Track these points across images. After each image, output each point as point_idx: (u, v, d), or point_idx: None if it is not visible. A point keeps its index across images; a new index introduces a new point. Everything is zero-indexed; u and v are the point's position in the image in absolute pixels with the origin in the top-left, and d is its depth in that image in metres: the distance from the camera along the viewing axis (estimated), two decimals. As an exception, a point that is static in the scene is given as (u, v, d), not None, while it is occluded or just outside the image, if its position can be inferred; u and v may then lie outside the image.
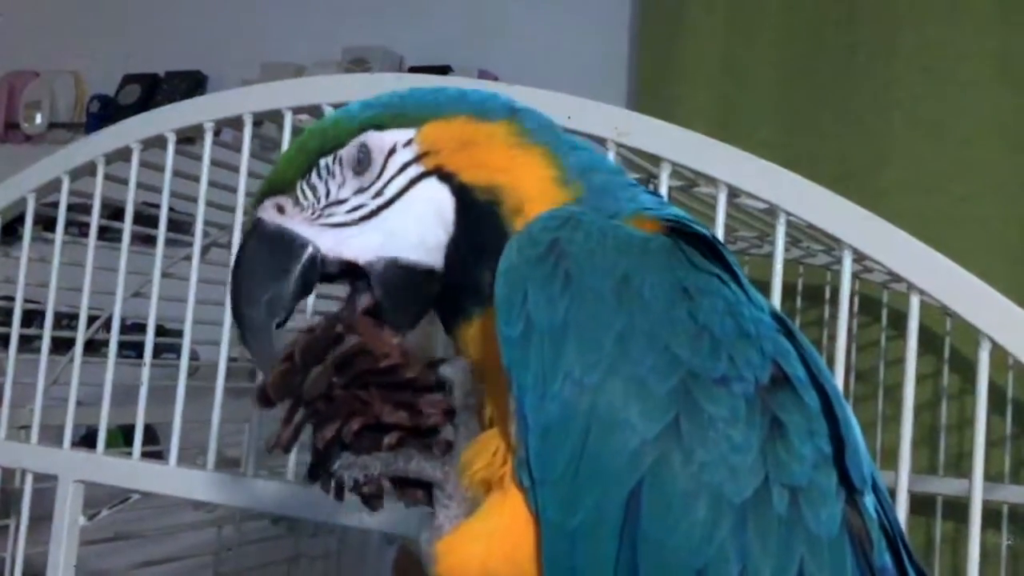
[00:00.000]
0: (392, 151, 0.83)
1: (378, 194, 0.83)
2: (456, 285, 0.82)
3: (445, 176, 0.82)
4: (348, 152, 0.84)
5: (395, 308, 0.82)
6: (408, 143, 0.83)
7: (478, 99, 0.87)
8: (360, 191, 0.83)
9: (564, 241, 0.74)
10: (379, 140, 0.84)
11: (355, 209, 0.83)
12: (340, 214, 0.84)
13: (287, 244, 0.83)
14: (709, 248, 0.81)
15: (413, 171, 0.83)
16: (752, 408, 0.71)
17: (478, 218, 0.81)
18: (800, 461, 0.72)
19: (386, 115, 0.85)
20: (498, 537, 0.74)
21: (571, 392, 0.70)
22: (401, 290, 0.82)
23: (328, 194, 0.84)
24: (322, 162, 0.85)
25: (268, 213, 0.85)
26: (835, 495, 0.73)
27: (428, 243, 0.82)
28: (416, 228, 0.82)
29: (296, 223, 0.84)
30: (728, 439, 0.70)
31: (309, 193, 0.84)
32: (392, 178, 0.83)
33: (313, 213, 0.84)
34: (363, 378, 0.78)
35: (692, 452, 0.69)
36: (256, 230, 0.85)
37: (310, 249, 0.83)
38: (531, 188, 0.81)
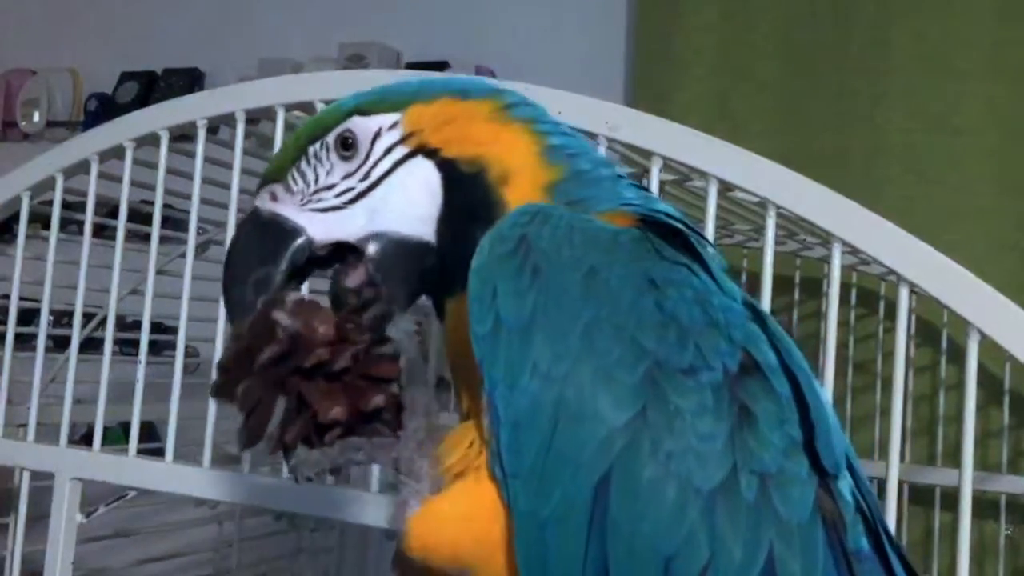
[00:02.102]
0: (377, 135, 0.85)
1: (365, 177, 0.85)
2: (447, 262, 0.83)
3: (429, 153, 0.84)
4: (334, 137, 0.86)
5: (390, 282, 0.82)
6: (393, 126, 0.85)
7: (461, 82, 0.90)
8: (348, 175, 0.85)
9: (532, 236, 0.75)
10: (364, 125, 0.86)
11: (344, 193, 0.85)
12: (329, 198, 0.85)
13: (277, 228, 0.86)
14: (682, 240, 0.81)
15: (398, 152, 0.85)
16: (720, 396, 0.72)
17: (464, 189, 0.83)
18: (769, 448, 0.72)
19: (371, 101, 0.87)
20: (468, 522, 0.75)
21: (539, 384, 0.71)
22: (394, 263, 0.83)
23: (317, 180, 0.86)
24: (311, 149, 0.87)
25: (262, 200, 0.87)
26: (806, 480, 0.73)
27: (418, 215, 0.83)
28: (404, 203, 0.84)
29: (287, 208, 0.86)
30: (695, 428, 0.70)
31: (299, 179, 0.86)
32: (378, 161, 0.85)
33: (303, 199, 0.86)
34: (301, 371, 0.78)
35: (660, 441, 0.70)
36: (250, 216, 0.88)
37: (299, 232, 0.85)
38: (516, 160, 0.83)
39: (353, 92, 0.90)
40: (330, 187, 0.86)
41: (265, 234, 0.86)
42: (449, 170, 0.83)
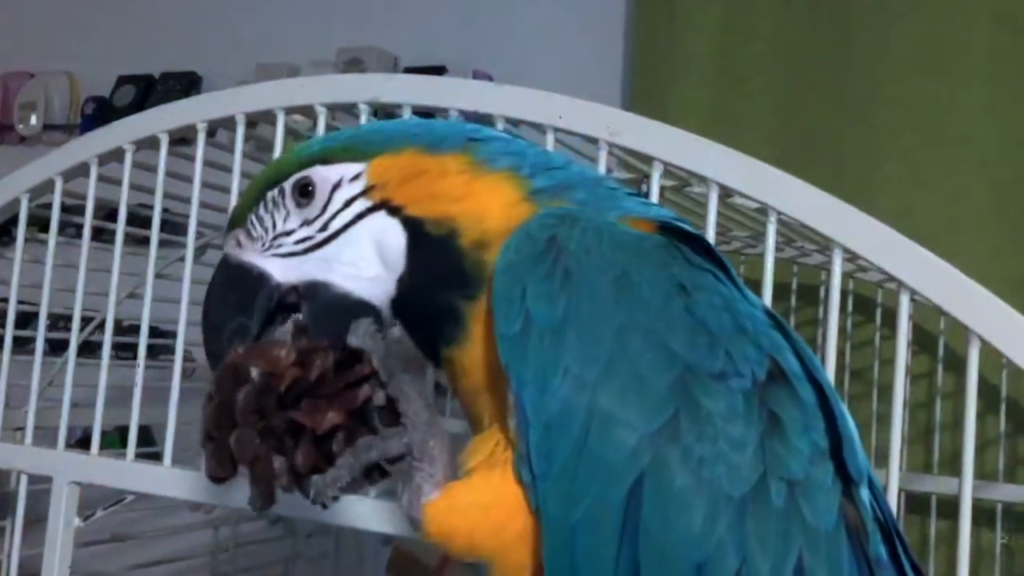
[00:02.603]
0: (337, 185, 0.84)
1: (323, 228, 0.84)
2: (420, 317, 0.82)
3: (393, 210, 0.82)
4: (291, 184, 0.86)
5: (318, 332, 0.82)
6: (356, 177, 0.84)
7: (432, 131, 0.87)
8: (306, 223, 0.85)
9: (562, 238, 0.74)
10: (323, 174, 0.85)
11: (302, 241, 0.85)
12: (288, 244, 0.85)
13: (244, 275, 0.86)
14: (702, 246, 0.81)
15: (360, 205, 0.84)
16: (750, 403, 0.72)
17: (430, 251, 0.81)
18: (797, 455, 0.72)
19: (334, 148, 0.86)
20: (486, 512, 0.75)
21: (571, 388, 0.71)
22: (326, 316, 0.82)
23: (275, 226, 0.86)
24: (268, 195, 0.86)
25: (230, 247, 0.87)
26: (831, 488, 0.74)
27: (366, 275, 0.83)
28: (357, 259, 0.83)
29: (251, 255, 0.86)
30: (726, 434, 0.71)
31: (258, 225, 0.86)
32: (337, 212, 0.84)
33: (264, 244, 0.86)
34: (282, 402, 0.78)
35: (691, 447, 0.70)
36: (220, 264, 0.88)
37: (266, 278, 0.85)
38: (495, 214, 0.81)
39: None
40: (288, 233, 0.85)
41: (235, 283, 0.86)
42: (415, 229, 0.82)
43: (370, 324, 0.80)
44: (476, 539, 0.75)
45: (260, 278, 0.85)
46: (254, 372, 0.77)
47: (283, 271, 0.85)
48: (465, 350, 0.80)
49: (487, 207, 0.81)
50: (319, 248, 0.84)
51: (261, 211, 0.86)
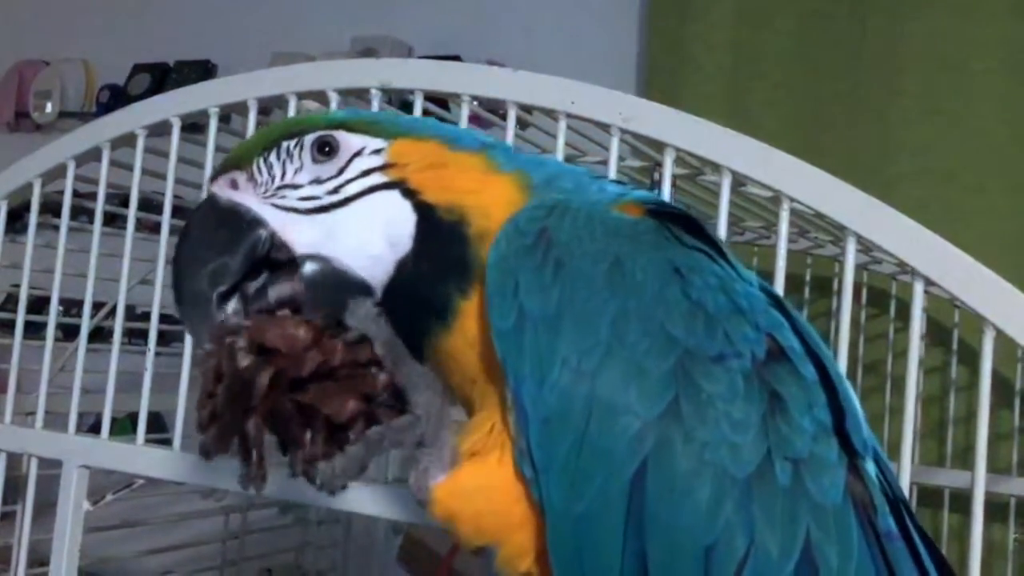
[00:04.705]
0: (358, 153, 0.83)
1: (334, 191, 0.82)
2: (414, 302, 0.80)
3: (408, 192, 0.81)
4: (313, 139, 0.83)
5: (314, 308, 0.79)
6: (378, 151, 0.83)
7: (451, 130, 0.87)
8: (317, 182, 0.82)
9: (552, 229, 0.74)
10: (347, 138, 0.84)
11: (308, 199, 0.82)
12: (292, 199, 0.82)
13: (236, 216, 0.82)
14: (693, 227, 0.81)
15: (377, 178, 0.82)
16: (750, 383, 0.72)
17: (438, 237, 0.80)
18: (800, 432, 0.72)
19: (361, 121, 0.85)
20: (489, 497, 0.75)
21: (569, 379, 0.70)
22: (325, 293, 0.80)
23: (283, 175, 0.83)
24: (284, 143, 0.84)
25: (220, 187, 0.84)
26: (836, 463, 0.73)
27: (371, 253, 0.81)
28: (363, 235, 0.81)
29: (247, 198, 0.83)
30: (728, 416, 0.70)
31: (265, 170, 0.83)
32: (352, 179, 0.82)
33: (266, 191, 0.83)
34: (296, 386, 0.76)
35: (694, 431, 0.70)
36: (206, 203, 0.85)
37: (260, 223, 0.82)
38: (501, 209, 0.80)
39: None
40: (295, 186, 0.83)
41: (224, 221, 0.82)
42: (427, 215, 0.81)
43: (371, 307, 0.79)
44: (481, 523, 0.76)
45: (253, 222, 0.82)
46: (275, 344, 0.75)
47: (281, 224, 0.82)
48: (452, 341, 0.79)
49: (495, 202, 0.81)
50: (326, 212, 0.82)
51: (272, 157, 0.83)
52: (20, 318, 1.66)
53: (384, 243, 0.81)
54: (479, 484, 0.75)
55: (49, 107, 3.67)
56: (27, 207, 1.67)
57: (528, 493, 0.73)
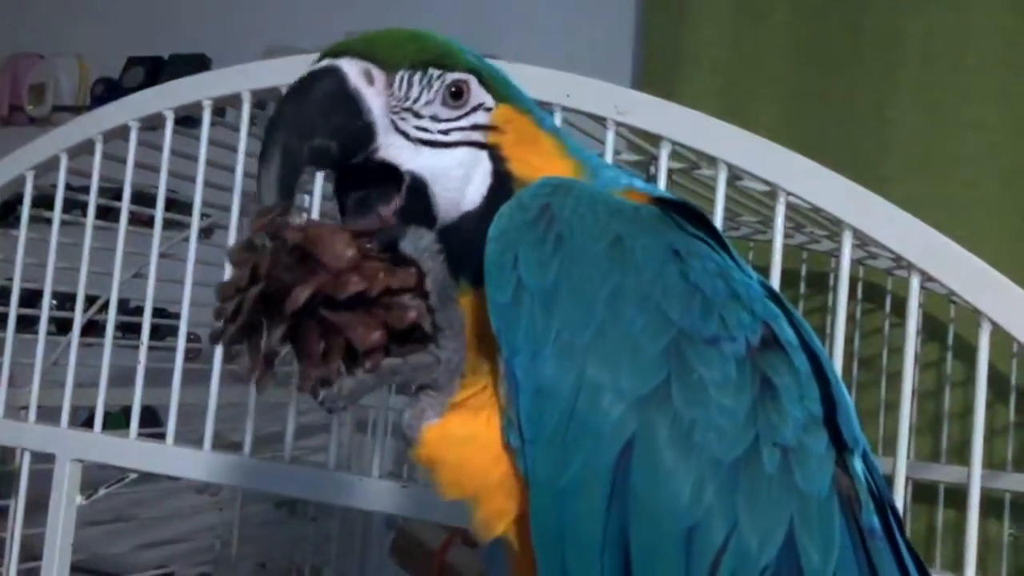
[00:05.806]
0: (477, 108, 0.82)
1: (446, 132, 0.81)
2: (462, 254, 0.79)
3: (497, 158, 0.81)
4: (452, 79, 0.81)
5: (401, 225, 0.77)
6: (488, 110, 0.83)
7: (537, 107, 0.88)
8: (435, 119, 0.81)
9: (555, 206, 0.74)
10: (476, 90, 0.82)
11: (423, 130, 0.80)
12: (409, 123, 0.80)
13: (358, 108, 0.78)
14: (697, 216, 0.81)
15: (479, 136, 0.82)
16: (743, 368, 0.72)
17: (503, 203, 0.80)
18: (789, 421, 0.72)
19: (489, 76, 0.84)
20: (473, 450, 0.75)
21: (561, 353, 0.70)
22: (417, 214, 0.79)
23: (416, 100, 0.80)
24: (431, 71, 0.81)
25: (352, 69, 0.79)
26: (825, 455, 0.73)
27: (451, 198, 0.80)
28: (451, 181, 0.80)
29: (376, 102, 0.79)
30: (718, 399, 0.70)
31: (405, 87, 0.80)
32: (464, 128, 0.81)
33: (395, 107, 0.80)
34: (327, 303, 0.73)
35: (682, 412, 0.69)
36: (335, 76, 0.79)
37: (375, 128, 0.78)
38: None
39: (476, 54, 0.86)
40: (418, 115, 0.80)
41: (343, 106, 0.78)
42: (504, 181, 0.81)
43: (433, 241, 0.77)
44: (461, 476, 0.76)
45: (371, 125, 0.78)
46: (310, 262, 0.72)
47: (391, 140, 0.79)
48: (476, 302, 0.78)
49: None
50: (430, 147, 0.80)
51: (415, 77, 0.81)
52: (13, 312, 1.66)
53: (461, 193, 0.80)
54: (466, 434, 0.76)
55: (43, 101, 3.66)
56: (20, 200, 1.66)
57: (511, 461, 0.73)
